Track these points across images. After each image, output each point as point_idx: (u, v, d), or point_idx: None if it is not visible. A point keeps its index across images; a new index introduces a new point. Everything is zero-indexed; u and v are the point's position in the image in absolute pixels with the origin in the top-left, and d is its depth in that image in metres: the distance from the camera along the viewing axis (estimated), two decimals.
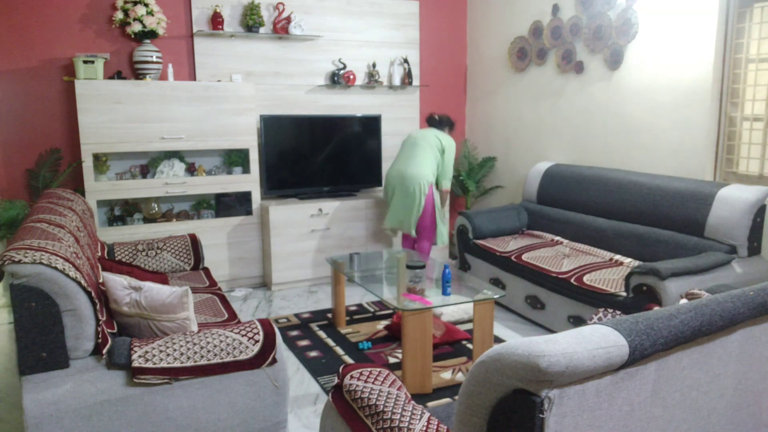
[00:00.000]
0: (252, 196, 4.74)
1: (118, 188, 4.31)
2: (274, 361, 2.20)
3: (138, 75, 4.46)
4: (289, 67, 5.06)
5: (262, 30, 4.84)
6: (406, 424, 1.57)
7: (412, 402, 1.70)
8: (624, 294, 3.23)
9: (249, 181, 4.72)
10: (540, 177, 4.70)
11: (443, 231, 4.71)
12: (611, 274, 3.52)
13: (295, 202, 4.83)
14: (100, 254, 3.37)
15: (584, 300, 3.44)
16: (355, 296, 4.52)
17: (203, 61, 4.74)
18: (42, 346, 1.94)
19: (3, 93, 4.26)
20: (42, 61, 4.32)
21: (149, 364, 2.01)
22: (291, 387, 3.07)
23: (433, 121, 4.73)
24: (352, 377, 1.84)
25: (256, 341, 2.18)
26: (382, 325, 3.92)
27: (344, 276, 3.72)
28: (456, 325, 3.83)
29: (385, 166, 5.54)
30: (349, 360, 3.40)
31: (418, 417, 1.60)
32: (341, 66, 5.20)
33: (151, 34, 4.39)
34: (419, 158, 4.49)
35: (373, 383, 1.80)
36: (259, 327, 2.24)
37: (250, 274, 4.83)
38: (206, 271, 3.71)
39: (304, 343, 3.65)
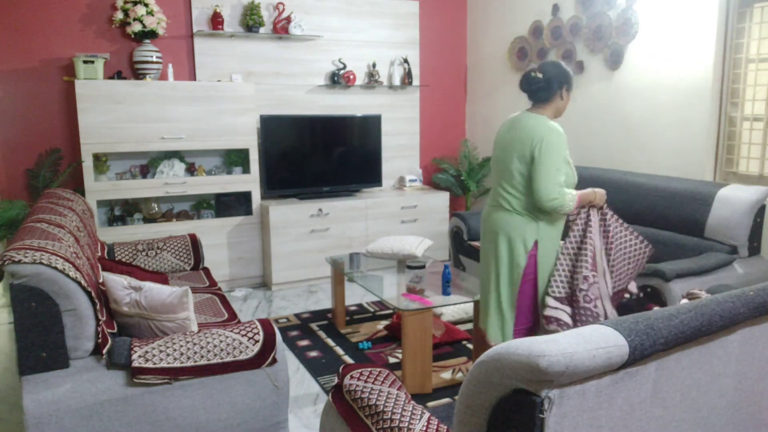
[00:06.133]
0: (252, 196, 4.73)
1: (118, 188, 4.31)
2: (274, 361, 2.20)
3: (138, 75, 4.46)
4: (289, 67, 5.06)
5: (262, 30, 4.84)
6: (406, 424, 1.57)
7: (412, 402, 1.70)
8: (627, 296, 3.22)
9: (249, 181, 4.71)
10: None
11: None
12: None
13: (295, 202, 4.83)
14: (100, 254, 3.36)
15: None
16: (355, 296, 4.52)
17: (203, 61, 4.74)
18: (42, 346, 1.93)
19: (3, 93, 4.26)
20: (42, 61, 4.32)
21: (149, 364, 2.01)
22: (291, 387, 3.07)
23: (531, 83, 2.59)
24: (352, 377, 1.84)
25: (256, 341, 2.18)
26: (382, 325, 3.92)
27: (344, 276, 3.72)
28: (456, 325, 3.83)
29: (386, 167, 5.53)
30: (349, 360, 3.40)
31: (418, 417, 1.60)
32: (341, 66, 5.20)
33: (151, 34, 4.39)
34: (506, 187, 2.62)
35: (373, 383, 1.79)
36: (259, 327, 2.24)
37: (250, 274, 4.83)
38: (206, 271, 3.71)
39: (304, 343, 3.65)
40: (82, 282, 1.99)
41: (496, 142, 2.69)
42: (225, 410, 2.15)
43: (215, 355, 2.11)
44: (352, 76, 5.22)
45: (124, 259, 3.54)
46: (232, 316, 2.90)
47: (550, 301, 2.59)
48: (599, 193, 2.61)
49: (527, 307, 2.64)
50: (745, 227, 3.28)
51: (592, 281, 2.55)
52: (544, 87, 2.53)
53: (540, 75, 2.53)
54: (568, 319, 2.58)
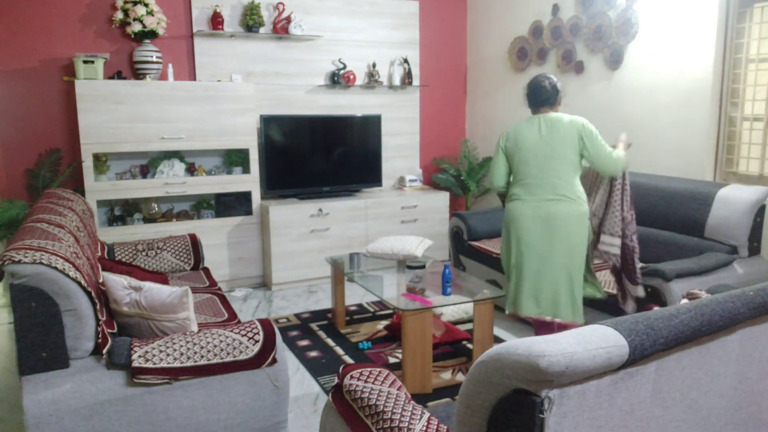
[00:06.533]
0: (252, 196, 4.73)
1: (118, 188, 4.31)
2: (274, 361, 2.20)
3: (138, 75, 4.46)
4: (289, 67, 5.06)
5: (262, 30, 4.84)
6: (406, 424, 1.57)
7: (412, 402, 1.70)
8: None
9: (249, 181, 4.71)
10: None
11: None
12: (611, 276, 3.51)
13: (295, 202, 4.83)
14: (100, 254, 3.36)
15: (585, 302, 3.43)
16: (355, 296, 4.52)
17: (203, 61, 4.74)
18: (42, 346, 1.93)
19: (3, 93, 4.26)
20: (42, 61, 4.32)
21: (149, 364, 2.01)
22: (291, 387, 3.07)
23: (543, 92, 3.06)
24: (352, 377, 1.84)
25: (256, 341, 2.18)
26: (382, 325, 3.92)
27: (344, 276, 3.72)
28: (456, 325, 3.83)
29: (386, 166, 5.53)
30: (349, 360, 3.40)
31: (418, 417, 1.60)
32: (341, 66, 5.20)
33: (151, 34, 4.39)
34: (563, 176, 2.99)
35: (373, 383, 1.80)
36: (259, 327, 2.24)
37: (250, 274, 4.83)
38: (206, 271, 3.71)
39: (304, 343, 3.65)
40: (82, 282, 1.99)
41: (526, 143, 3.04)
42: (225, 410, 2.15)
43: (215, 355, 2.11)
44: (352, 76, 5.22)
45: (124, 259, 3.54)
46: (232, 316, 2.90)
47: (605, 237, 3.08)
48: (624, 144, 3.16)
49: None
50: (745, 227, 3.28)
51: (630, 219, 3.03)
52: (553, 95, 3.06)
53: (547, 84, 3.05)
54: (617, 252, 3.06)
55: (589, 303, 3.41)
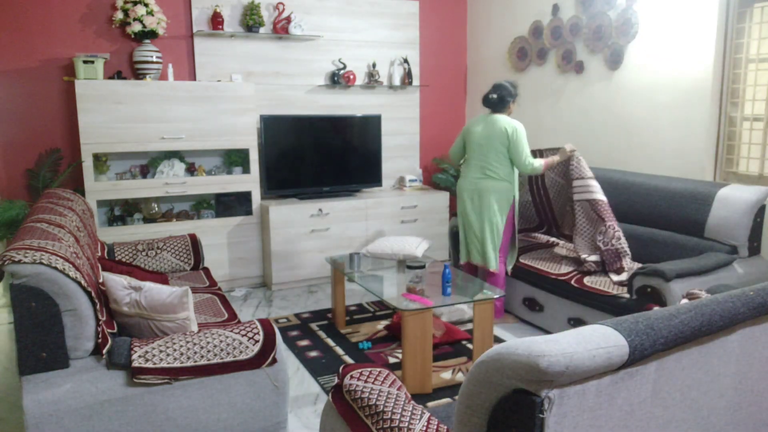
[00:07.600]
0: (252, 196, 4.73)
1: (118, 188, 4.31)
2: (274, 361, 2.20)
3: (138, 75, 4.46)
4: (289, 67, 5.06)
5: (262, 30, 4.84)
6: (406, 424, 1.57)
7: (412, 402, 1.70)
8: (627, 296, 3.22)
9: (249, 181, 4.71)
10: None
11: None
12: (611, 276, 3.51)
13: (295, 202, 4.83)
14: (100, 254, 3.36)
15: (585, 302, 3.43)
16: (355, 296, 4.52)
17: (203, 61, 4.74)
18: (42, 346, 1.93)
19: (3, 93, 4.25)
20: (42, 61, 4.32)
21: (149, 364, 2.01)
22: (291, 387, 3.07)
23: (490, 102, 3.86)
24: (352, 377, 1.84)
25: (256, 341, 2.18)
26: (382, 325, 3.92)
27: (344, 276, 3.72)
28: (456, 325, 3.83)
29: (386, 166, 5.53)
30: (349, 360, 3.40)
31: (418, 417, 1.60)
32: (341, 66, 5.20)
33: (151, 34, 4.39)
34: (492, 161, 3.78)
35: (373, 383, 1.80)
36: (259, 327, 2.24)
37: (250, 274, 4.82)
38: (206, 271, 3.71)
39: (304, 343, 3.65)
40: (82, 282, 1.99)
41: (473, 134, 3.85)
42: (225, 410, 2.15)
43: (215, 355, 2.11)
44: (352, 76, 5.22)
45: (124, 259, 3.54)
46: (232, 316, 2.90)
47: (584, 256, 3.71)
48: (561, 153, 3.87)
49: (507, 242, 3.91)
50: (745, 227, 3.28)
51: (605, 230, 3.64)
52: (499, 103, 3.81)
53: (495, 96, 3.80)
54: (596, 259, 3.70)
55: (590, 303, 3.41)
